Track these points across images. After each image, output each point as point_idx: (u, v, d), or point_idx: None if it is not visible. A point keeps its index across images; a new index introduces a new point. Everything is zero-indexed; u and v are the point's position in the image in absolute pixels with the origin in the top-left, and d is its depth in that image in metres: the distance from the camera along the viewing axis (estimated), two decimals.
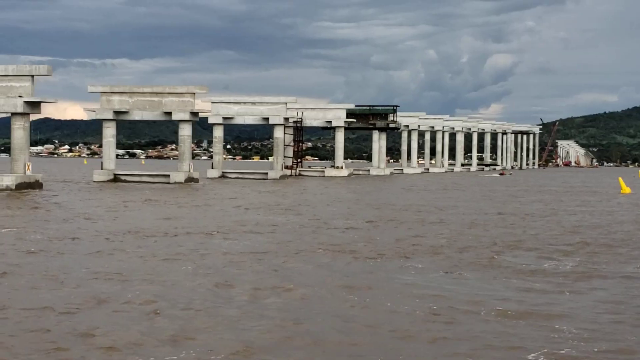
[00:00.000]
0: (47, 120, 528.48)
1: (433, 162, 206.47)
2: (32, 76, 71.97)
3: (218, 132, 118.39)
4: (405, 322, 18.85)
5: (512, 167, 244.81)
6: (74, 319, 18.42)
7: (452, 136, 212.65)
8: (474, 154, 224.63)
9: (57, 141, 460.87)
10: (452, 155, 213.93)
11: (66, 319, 18.42)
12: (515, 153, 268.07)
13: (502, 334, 17.67)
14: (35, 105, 72.52)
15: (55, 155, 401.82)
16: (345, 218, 46.58)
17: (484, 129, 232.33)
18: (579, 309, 20.58)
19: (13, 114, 71.85)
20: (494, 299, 21.61)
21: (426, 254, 30.74)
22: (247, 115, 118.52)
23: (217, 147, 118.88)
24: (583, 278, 25.67)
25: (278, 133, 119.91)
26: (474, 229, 41.49)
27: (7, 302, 20.08)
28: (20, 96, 71.23)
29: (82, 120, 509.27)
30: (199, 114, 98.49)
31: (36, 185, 72.85)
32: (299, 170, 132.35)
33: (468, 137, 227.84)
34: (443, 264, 28.26)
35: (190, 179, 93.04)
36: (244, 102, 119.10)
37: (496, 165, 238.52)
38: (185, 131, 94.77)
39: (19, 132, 72.21)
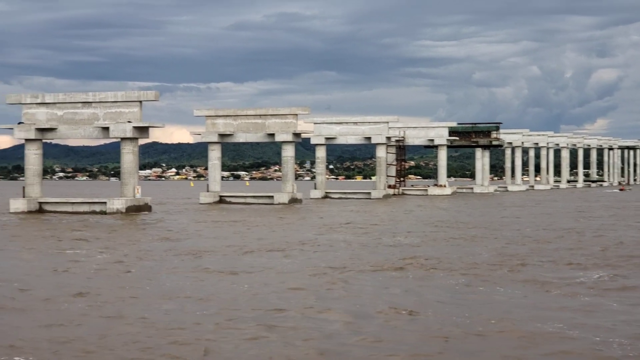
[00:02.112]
0: (154, 144, 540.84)
1: (538, 179, 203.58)
2: (140, 102, 73.85)
3: (320, 153, 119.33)
4: None
5: (620, 183, 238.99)
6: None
7: (557, 153, 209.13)
8: (580, 170, 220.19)
9: (164, 164, 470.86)
10: (557, 172, 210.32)
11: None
12: (622, 169, 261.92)
13: None
14: (143, 130, 74.41)
15: (163, 179, 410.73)
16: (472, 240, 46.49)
17: (589, 145, 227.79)
18: None
19: (122, 138, 73.83)
20: None
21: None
22: (349, 135, 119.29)
23: (320, 167, 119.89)
24: None
25: (380, 152, 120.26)
26: None
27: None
28: (129, 121, 73.22)
29: (188, 144, 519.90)
30: (302, 134, 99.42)
31: (145, 208, 74.71)
32: (402, 189, 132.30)
33: (573, 153, 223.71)
34: None
35: (293, 200, 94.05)
36: (346, 122, 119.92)
37: (603, 181, 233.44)
38: (288, 152, 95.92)
39: (128, 157, 74.20)
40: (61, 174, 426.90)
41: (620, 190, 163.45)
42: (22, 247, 40.78)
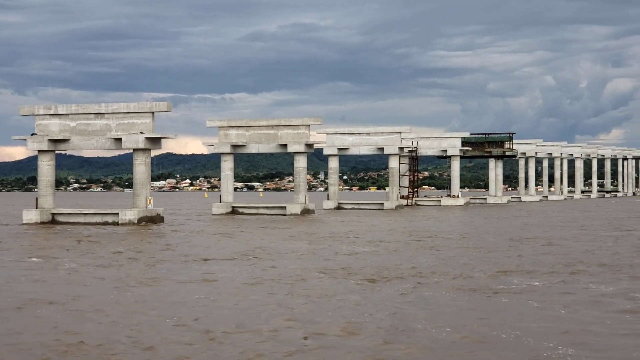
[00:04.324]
0: (169, 155, 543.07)
1: (552, 189, 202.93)
2: (153, 113, 74.00)
3: (333, 163, 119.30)
4: None
5: (634, 194, 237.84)
6: None
7: (571, 163, 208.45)
8: (594, 180, 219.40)
9: (178, 175, 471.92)
10: (571, 182, 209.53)
11: None
12: (637, 179, 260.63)
13: None
14: (155, 141, 74.58)
15: (177, 190, 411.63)
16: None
17: (603, 155, 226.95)
18: None
19: (135, 149, 73.99)
20: None
21: None
22: (361, 145, 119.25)
23: (333, 178, 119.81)
24: None
25: (393, 163, 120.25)
26: None
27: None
28: (141, 132, 73.46)
29: (202, 155, 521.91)
30: (314, 145, 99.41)
31: (157, 219, 74.83)
32: (415, 200, 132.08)
33: (587, 163, 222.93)
34: None
35: (305, 211, 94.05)
36: (359, 133, 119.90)
37: (617, 191, 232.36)
38: (301, 163, 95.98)
39: (140, 167, 74.38)
40: (76, 185, 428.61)
41: None
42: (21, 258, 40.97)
